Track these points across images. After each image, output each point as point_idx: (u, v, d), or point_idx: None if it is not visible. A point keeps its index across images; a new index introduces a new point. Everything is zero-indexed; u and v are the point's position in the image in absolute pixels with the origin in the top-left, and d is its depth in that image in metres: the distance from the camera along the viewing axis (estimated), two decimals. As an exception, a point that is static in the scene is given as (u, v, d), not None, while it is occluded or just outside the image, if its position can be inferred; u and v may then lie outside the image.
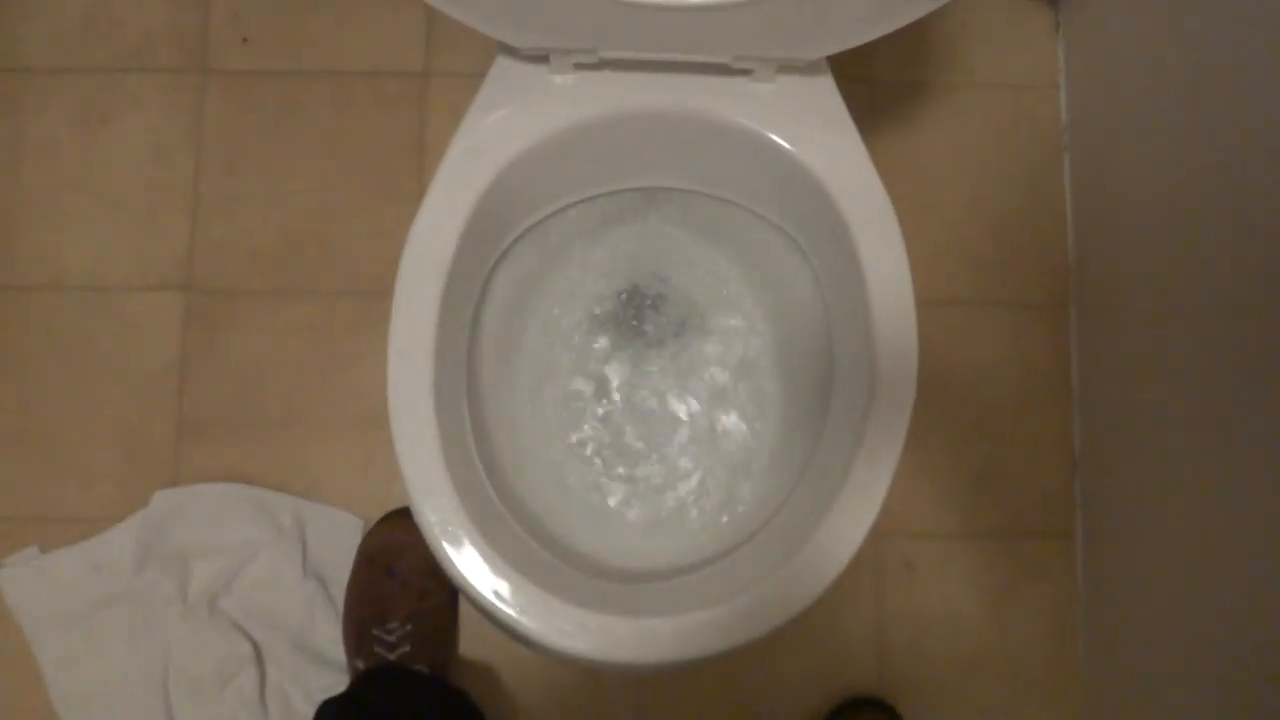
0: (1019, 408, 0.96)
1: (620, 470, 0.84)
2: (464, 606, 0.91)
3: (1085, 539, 0.93)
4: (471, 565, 0.58)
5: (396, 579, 0.87)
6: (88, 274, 0.96)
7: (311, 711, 0.79)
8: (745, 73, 0.66)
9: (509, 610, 0.58)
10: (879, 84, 1.01)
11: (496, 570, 0.58)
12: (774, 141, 0.66)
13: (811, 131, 0.66)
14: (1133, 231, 0.87)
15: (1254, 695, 0.68)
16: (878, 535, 0.93)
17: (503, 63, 0.67)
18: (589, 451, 0.84)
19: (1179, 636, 0.77)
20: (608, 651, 0.57)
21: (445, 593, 0.88)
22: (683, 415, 0.85)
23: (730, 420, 0.84)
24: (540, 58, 0.66)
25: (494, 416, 0.76)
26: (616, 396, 0.86)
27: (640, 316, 0.86)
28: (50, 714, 0.88)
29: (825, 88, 0.67)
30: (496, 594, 0.58)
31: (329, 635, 0.90)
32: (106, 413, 0.94)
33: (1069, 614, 0.93)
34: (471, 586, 0.58)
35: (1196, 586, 0.75)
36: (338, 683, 0.89)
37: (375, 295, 0.96)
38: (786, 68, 0.66)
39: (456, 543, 0.59)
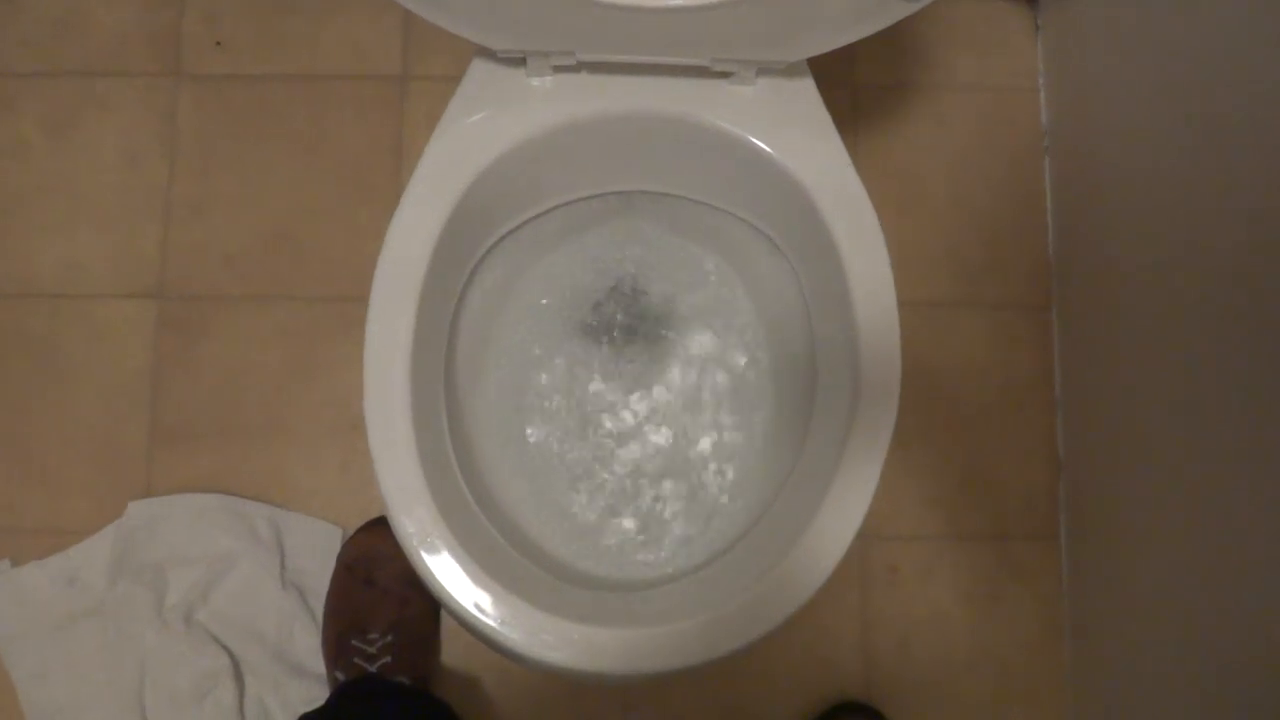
0: (1002, 409, 0.96)
1: (604, 477, 0.83)
2: (446, 616, 0.90)
3: (1070, 540, 0.93)
4: (451, 577, 0.57)
5: (376, 588, 0.86)
6: (59, 280, 0.95)
7: (291, 724, 0.78)
8: (725, 75, 0.65)
9: (490, 623, 0.57)
10: (860, 86, 1.00)
11: (477, 582, 0.58)
12: (754, 145, 0.65)
13: (792, 134, 0.65)
14: (1114, 232, 0.87)
15: (1239, 694, 0.68)
16: (862, 538, 0.92)
17: (479, 65, 0.66)
18: (571, 458, 0.83)
19: (1164, 636, 0.77)
20: (592, 663, 0.56)
21: (426, 602, 0.87)
22: (665, 421, 0.85)
23: (713, 425, 0.84)
24: (518, 60, 0.65)
25: (473, 424, 0.75)
26: (598, 402, 0.85)
27: (622, 322, 0.86)
28: (24, 730, 0.87)
29: (806, 90, 0.66)
30: (478, 606, 0.57)
31: (308, 646, 0.89)
32: (79, 422, 0.92)
33: (1054, 615, 0.93)
34: (452, 599, 0.57)
35: (1181, 586, 0.75)
36: (317, 694, 0.87)
37: (352, 300, 0.95)
38: (767, 70, 0.65)
39: (436, 554, 0.58)
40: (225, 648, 0.87)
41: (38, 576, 0.89)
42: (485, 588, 0.57)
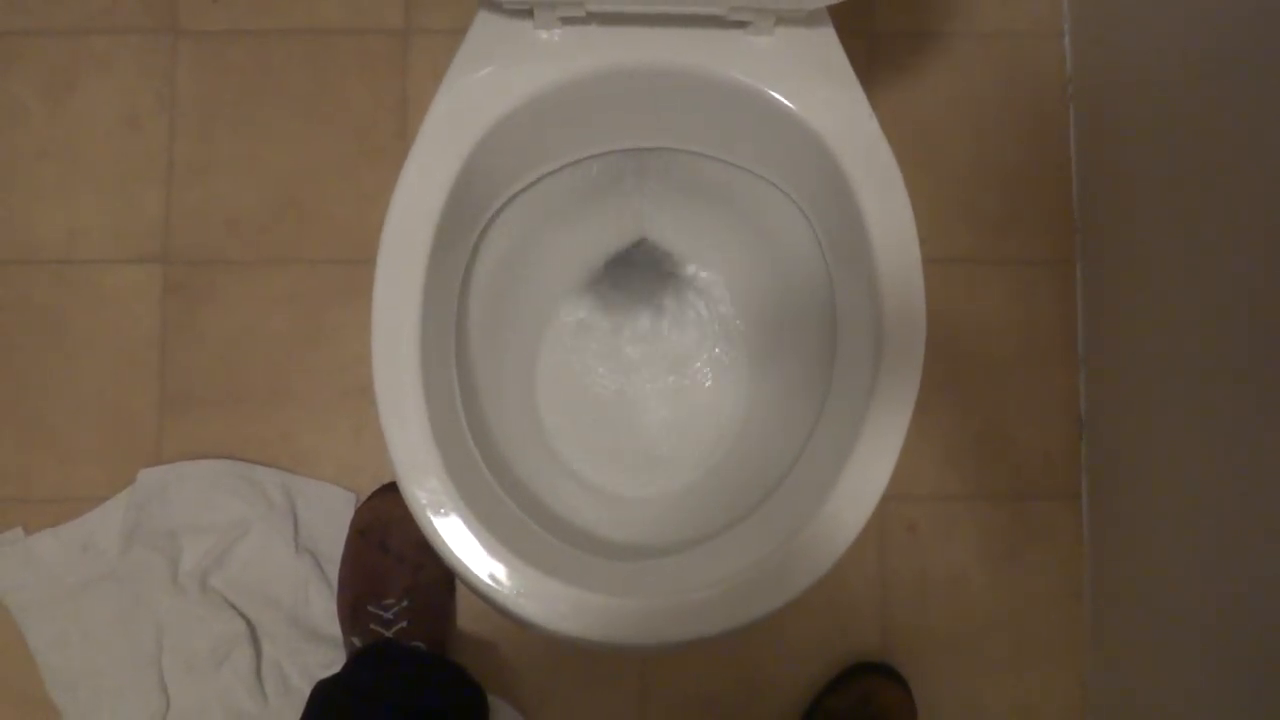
0: (1023, 367, 0.94)
1: (620, 439, 0.82)
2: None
3: (1091, 500, 0.92)
4: (466, 548, 0.56)
5: (391, 554, 0.85)
6: (61, 247, 0.93)
7: (308, 688, 0.78)
8: (741, 25, 0.63)
9: (506, 593, 0.56)
10: (879, 34, 0.97)
11: (492, 552, 0.57)
12: (772, 98, 0.63)
13: (812, 86, 0.62)
14: (1141, 183, 0.84)
15: (1259, 656, 0.67)
16: (881, 498, 0.92)
17: (484, 18, 0.64)
18: (586, 419, 0.82)
19: (1185, 598, 0.76)
20: (608, 634, 0.55)
21: (441, 567, 0.86)
22: (680, 379, 0.83)
23: (730, 383, 0.82)
24: (524, 12, 0.63)
25: (485, 388, 0.73)
26: (611, 362, 0.84)
27: (635, 280, 0.84)
28: (43, 697, 0.87)
29: (826, 40, 0.63)
30: (493, 577, 0.56)
31: (324, 611, 0.89)
32: (86, 390, 0.91)
33: (1074, 575, 0.92)
34: (467, 569, 0.56)
35: (1203, 547, 0.74)
36: (334, 659, 0.87)
37: (359, 263, 0.93)
38: (785, 19, 0.62)
39: (449, 524, 0.57)
40: (241, 613, 0.87)
41: (51, 544, 0.89)
42: (500, 558, 0.56)
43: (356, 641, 0.83)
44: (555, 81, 0.63)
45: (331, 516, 0.90)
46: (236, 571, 0.89)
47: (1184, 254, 0.76)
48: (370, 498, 0.89)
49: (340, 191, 0.94)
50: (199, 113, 0.95)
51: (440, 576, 0.86)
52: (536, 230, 0.77)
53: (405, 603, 0.83)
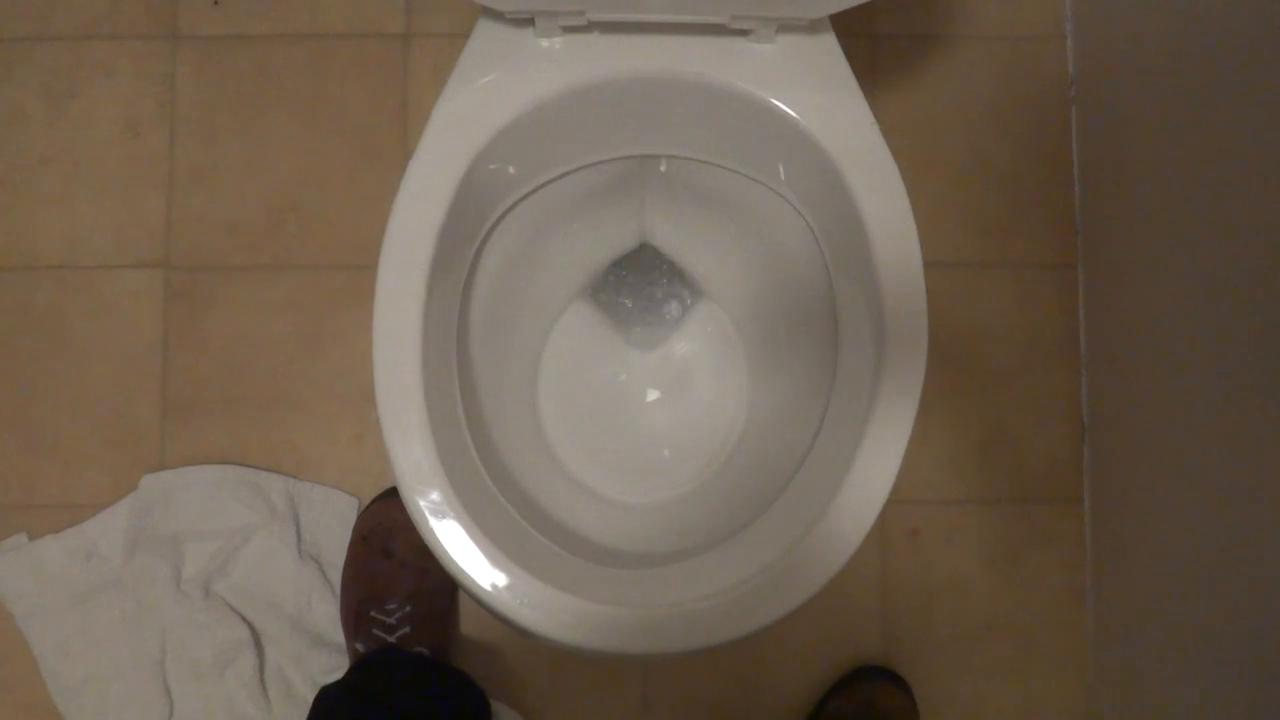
0: (1025, 371, 0.94)
1: (622, 444, 0.82)
2: (463, 585, 0.90)
3: (1093, 504, 0.92)
4: (468, 558, 0.57)
5: (394, 559, 0.85)
6: (62, 253, 0.93)
7: (312, 693, 0.78)
8: (743, 33, 0.63)
9: (508, 603, 0.56)
10: (881, 37, 0.97)
11: (494, 561, 0.57)
12: (774, 105, 0.63)
13: (814, 95, 0.62)
14: (1144, 186, 0.84)
15: (1262, 659, 0.67)
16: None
17: (486, 26, 0.64)
18: (587, 425, 0.82)
19: (1188, 601, 0.76)
20: (611, 642, 0.56)
21: (444, 572, 0.86)
22: (682, 385, 0.83)
23: (732, 389, 0.82)
24: (525, 21, 0.63)
25: (487, 395, 0.73)
26: (614, 367, 0.84)
27: (637, 286, 0.84)
28: (47, 702, 0.87)
29: (828, 47, 0.63)
30: (495, 586, 0.56)
31: (327, 616, 0.89)
32: (89, 396, 0.91)
33: (1076, 580, 0.92)
34: (469, 579, 0.56)
35: (1206, 551, 0.74)
36: (338, 664, 0.87)
37: (360, 269, 0.93)
38: (787, 27, 0.62)
39: (451, 534, 0.57)
40: (244, 619, 0.87)
41: (55, 550, 0.89)
42: (502, 567, 0.56)
43: (360, 647, 0.83)
44: (557, 90, 0.63)
45: (334, 522, 0.90)
46: (240, 577, 0.89)
47: (1187, 257, 0.76)
48: (373, 503, 0.89)
49: (340, 196, 0.94)
50: (200, 118, 0.95)
51: (443, 582, 0.86)
52: (538, 237, 0.77)
53: (408, 608, 0.83)
